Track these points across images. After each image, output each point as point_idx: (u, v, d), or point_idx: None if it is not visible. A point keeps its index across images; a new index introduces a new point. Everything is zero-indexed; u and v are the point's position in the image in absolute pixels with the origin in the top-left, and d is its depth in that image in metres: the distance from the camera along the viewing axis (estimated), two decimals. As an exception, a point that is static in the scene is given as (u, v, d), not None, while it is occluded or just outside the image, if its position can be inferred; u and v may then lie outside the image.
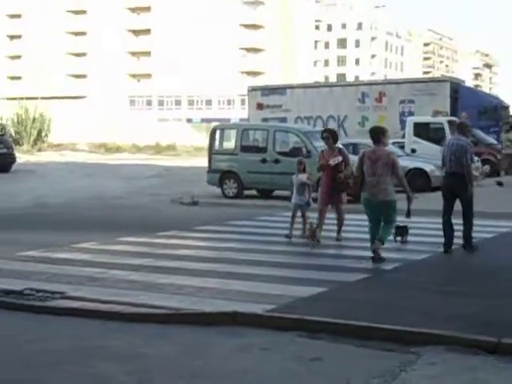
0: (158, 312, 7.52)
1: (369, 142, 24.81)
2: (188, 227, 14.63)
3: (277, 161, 19.92)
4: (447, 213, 11.31)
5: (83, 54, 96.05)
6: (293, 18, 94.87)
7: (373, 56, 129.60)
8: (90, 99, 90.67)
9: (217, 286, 8.82)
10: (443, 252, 11.21)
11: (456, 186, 11.14)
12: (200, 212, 18.29)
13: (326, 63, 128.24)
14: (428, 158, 22.89)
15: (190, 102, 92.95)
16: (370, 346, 6.27)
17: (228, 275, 9.43)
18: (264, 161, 20.14)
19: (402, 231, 11.90)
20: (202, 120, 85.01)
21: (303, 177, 12.89)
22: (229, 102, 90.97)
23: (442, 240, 11.32)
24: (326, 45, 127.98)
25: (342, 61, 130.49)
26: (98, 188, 24.13)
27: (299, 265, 10.48)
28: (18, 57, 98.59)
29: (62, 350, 6.46)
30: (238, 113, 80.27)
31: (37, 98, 59.39)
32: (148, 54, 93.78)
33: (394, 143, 25.81)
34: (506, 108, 34.18)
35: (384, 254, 10.46)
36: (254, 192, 21.37)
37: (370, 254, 10.47)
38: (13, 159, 33.99)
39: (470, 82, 36.10)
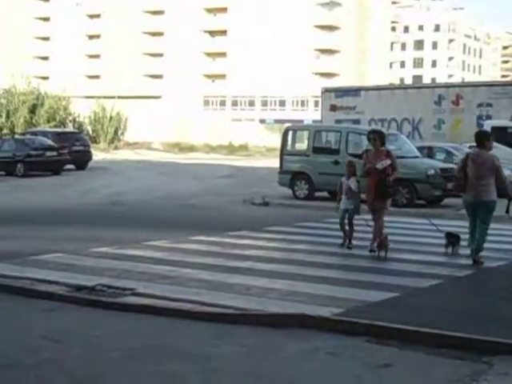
0: (226, 312, 7.53)
1: (444, 145, 24.26)
2: (258, 227, 14.64)
3: (349, 163, 19.70)
4: None
5: (160, 55, 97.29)
6: (369, 19, 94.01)
7: (450, 58, 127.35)
8: (166, 99, 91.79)
9: (284, 287, 8.77)
10: None
11: None
12: (270, 213, 18.28)
13: (402, 65, 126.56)
14: (506, 162, 22.30)
15: (264, 103, 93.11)
16: (440, 354, 6.13)
17: (296, 277, 9.38)
18: (336, 163, 19.95)
19: (454, 240, 11.41)
20: (275, 121, 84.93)
21: (351, 182, 12.08)
22: (302, 104, 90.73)
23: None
24: (403, 46, 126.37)
25: (418, 63, 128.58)
26: (170, 187, 24.41)
27: (369, 268, 10.34)
28: (97, 56, 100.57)
29: (132, 347, 6.52)
30: (312, 114, 79.94)
31: (114, 97, 60.47)
32: (223, 54, 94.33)
33: (470, 147, 25.31)
34: None
35: (458, 261, 10.28)
36: (325, 194, 21.23)
37: (440, 259, 10.31)
38: (89, 157, 34.77)
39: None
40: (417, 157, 20.33)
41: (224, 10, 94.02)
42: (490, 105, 31.12)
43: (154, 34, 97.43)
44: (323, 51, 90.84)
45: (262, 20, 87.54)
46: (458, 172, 11.04)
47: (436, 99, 32.73)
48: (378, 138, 11.78)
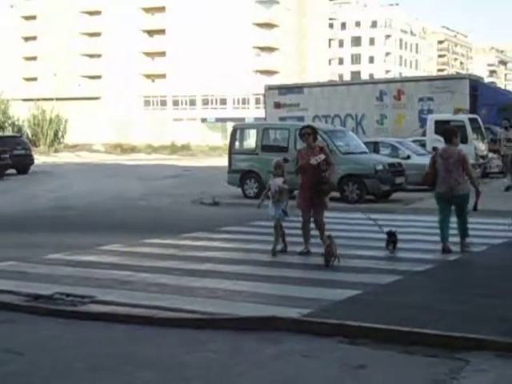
0: (193, 317, 7.36)
1: (389, 140, 24.47)
2: (212, 228, 14.47)
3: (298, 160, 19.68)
4: None
5: (98, 55, 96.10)
6: (307, 16, 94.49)
7: (387, 54, 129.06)
8: (105, 100, 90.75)
9: (248, 289, 8.64)
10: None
11: None
12: (222, 212, 18.14)
13: (341, 61, 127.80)
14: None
15: (205, 102, 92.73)
16: (413, 352, 6.09)
17: (258, 278, 9.27)
18: (285, 160, 19.82)
19: (395, 239, 11.05)
20: (217, 119, 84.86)
21: (279, 181, 11.43)
22: (243, 101, 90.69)
23: (476, 240, 11.50)
24: (341, 43, 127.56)
25: (356, 59, 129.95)
26: (117, 189, 24.05)
27: (327, 266, 10.22)
28: (34, 58, 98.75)
29: (97, 356, 6.31)
30: (253, 112, 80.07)
31: (52, 99, 59.46)
32: (162, 54, 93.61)
33: (414, 141, 25.58)
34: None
35: (415, 255, 10.33)
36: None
37: (397, 254, 10.61)
38: (31, 160, 34.06)
39: (484, 79, 35.78)
40: (365, 152, 20.42)
41: (162, 9, 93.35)
42: (431, 99, 31.57)
43: (91, 35, 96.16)
44: (263, 49, 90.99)
45: (200, 18, 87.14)
46: (428, 168, 11.55)
47: (378, 95, 33.07)
48: (310, 133, 11.37)
